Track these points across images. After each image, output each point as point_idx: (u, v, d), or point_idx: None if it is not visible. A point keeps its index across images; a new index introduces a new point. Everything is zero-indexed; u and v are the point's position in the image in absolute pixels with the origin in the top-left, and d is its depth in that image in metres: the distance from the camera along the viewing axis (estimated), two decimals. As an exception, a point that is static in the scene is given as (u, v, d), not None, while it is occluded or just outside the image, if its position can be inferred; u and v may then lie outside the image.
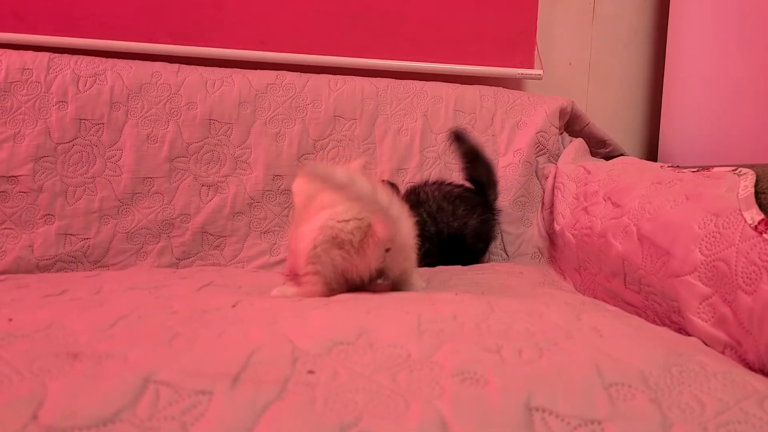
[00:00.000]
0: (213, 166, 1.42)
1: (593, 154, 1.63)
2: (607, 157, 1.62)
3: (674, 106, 1.64)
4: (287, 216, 1.43)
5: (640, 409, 0.49)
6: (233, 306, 0.70)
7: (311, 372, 0.51)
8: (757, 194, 0.74)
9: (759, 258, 0.65)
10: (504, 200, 1.48)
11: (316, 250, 0.82)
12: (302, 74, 1.53)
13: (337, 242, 0.81)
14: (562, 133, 1.61)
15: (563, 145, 1.58)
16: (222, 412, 0.45)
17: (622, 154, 1.63)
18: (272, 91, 1.49)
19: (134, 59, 1.45)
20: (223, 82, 1.46)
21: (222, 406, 0.45)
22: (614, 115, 1.82)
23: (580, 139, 1.58)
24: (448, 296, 0.80)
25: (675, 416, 0.48)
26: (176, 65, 1.47)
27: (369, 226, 0.82)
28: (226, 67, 1.50)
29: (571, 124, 1.62)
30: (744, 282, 0.67)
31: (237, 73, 1.49)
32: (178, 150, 1.41)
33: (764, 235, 0.66)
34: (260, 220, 1.42)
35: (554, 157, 1.55)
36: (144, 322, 0.62)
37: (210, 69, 1.48)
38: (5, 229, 1.29)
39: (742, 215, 0.72)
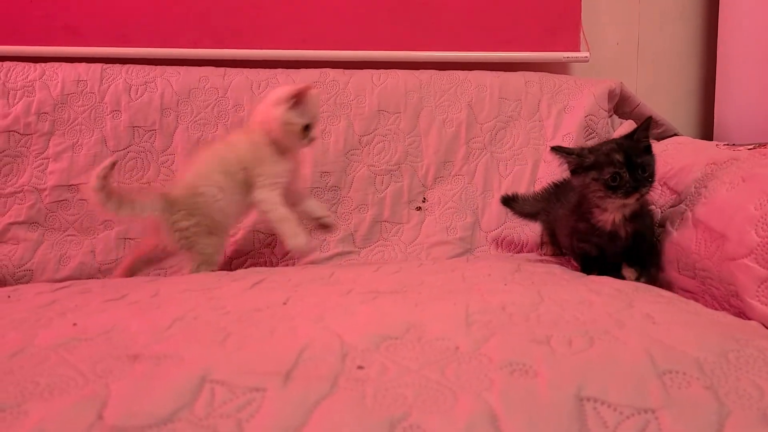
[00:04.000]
0: (267, 168, 1.45)
1: (645, 135, 1.58)
2: (660, 138, 1.57)
3: (729, 82, 1.57)
4: (335, 212, 1.44)
5: (695, 397, 0.48)
6: (284, 303, 0.72)
7: (361, 367, 0.52)
8: (817, 171, 0.71)
9: (820, 237, 0.63)
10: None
11: None
12: (345, 70, 1.54)
13: None
14: (611, 116, 1.57)
15: (613, 128, 1.55)
16: (275, 409, 0.46)
17: (675, 134, 1.58)
18: (317, 88, 1.50)
19: (182, 65, 1.49)
20: (268, 83, 1.49)
21: (275, 403, 0.47)
22: (666, 94, 1.76)
23: (630, 121, 1.54)
24: (497, 286, 0.80)
25: (732, 403, 0.47)
26: (222, 69, 1.50)
27: None
28: (270, 67, 1.53)
29: (621, 106, 1.58)
30: (805, 263, 0.64)
31: (282, 74, 1.51)
32: (228, 152, 1.44)
33: (825, 214, 0.64)
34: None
35: (604, 141, 1.51)
36: (198, 322, 0.64)
37: (255, 71, 1.51)
38: (68, 236, 1.34)
39: (801, 193, 0.69)
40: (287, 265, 1.39)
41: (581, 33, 1.61)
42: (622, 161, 0.92)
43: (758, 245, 0.72)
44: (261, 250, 1.42)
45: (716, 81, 1.62)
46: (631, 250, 1.02)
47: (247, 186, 1.16)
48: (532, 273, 0.94)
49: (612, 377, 0.50)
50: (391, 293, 0.77)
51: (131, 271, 1.21)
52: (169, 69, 1.47)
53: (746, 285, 0.73)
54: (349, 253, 1.42)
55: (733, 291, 0.76)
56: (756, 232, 0.74)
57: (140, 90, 1.42)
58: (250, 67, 1.52)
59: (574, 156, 0.99)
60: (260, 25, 1.56)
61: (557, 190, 1.25)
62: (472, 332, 0.59)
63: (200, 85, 1.46)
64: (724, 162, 0.95)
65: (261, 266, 1.37)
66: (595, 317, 0.64)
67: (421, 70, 1.57)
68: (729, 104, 1.58)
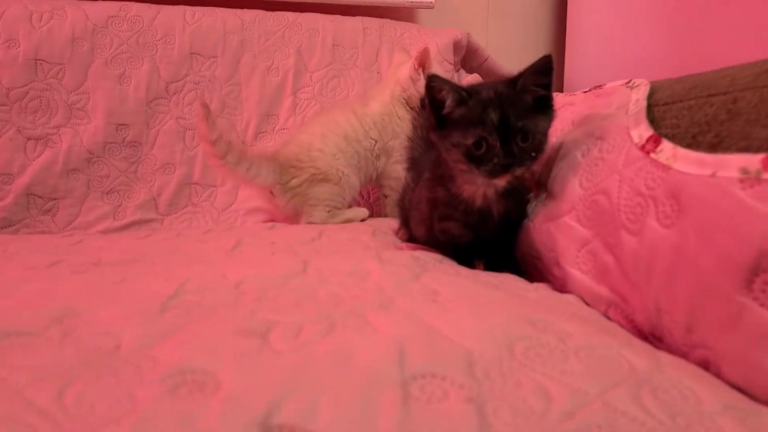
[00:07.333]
0: (41, 116, 1.18)
1: (494, 92, 1.46)
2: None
3: (578, 34, 1.48)
4: (135, 173, 1.21)
5: (446, 416, 0.31)
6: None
7: None
8: (650, 107, 0.57)
9: (645, 185, 0.48)
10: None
11: None
12: (151, 5, 1.29)
13: None
14: (459, 70, 1.44)
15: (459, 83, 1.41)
16: None
17: (526, 92, 1.47)
18: (114, 24, 1.25)
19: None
20: (52, 15, 1.22)
21: None
22: (516, 48, 1.64)
23: (474, 75, 1.40)
24: (263, 257, 0.62)
25: (499, 426, 0.31)
26: (-7, -6, 1.21)
27: None
28: (55, -4, 1.25)
29: (469, 60, 1.45)
30: (627, 219, 0.50)
31: (70, 4, 1.24)
32: (-4, 97, 1.16)
33: (652, 155, 0.49)
34: (102, 178, 1.19)
35: (448, 96, 1.37)
36: None
37: (36, -1, 1.23)
38: None
39: (629, 134, 0.55)
40: (70, 235, 1.14)
41: (427, -25, 1.45)
42: (495, 123, 0.61)
43: (580, 199, 0.58)
44: (39, 218, 1.16)
45: (566, 34, 1.52)
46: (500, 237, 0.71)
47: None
48: (330, 240, 0.76)
49: (330, 389, 0.32)
50: (109, 265, 0.57)
51: None
52: None
53: (566, 249, 0.59)
54: (150, 221, 1.20)
55: (554, 258, 0.61)
56: (579, 184, 0.59)
57: None
58: (30, -5, 1.23)
59: (456, 92, 0.64)
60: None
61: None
62: (158, 322, 0.39)
63: (-40, 13, 1.17)
64: (559, 109, 0.81)
65: (38, 236, 1.12)
66: (360, 293, 0.47)
67: (244, 9, 1.35)
68: (578, 57, 1.48)
